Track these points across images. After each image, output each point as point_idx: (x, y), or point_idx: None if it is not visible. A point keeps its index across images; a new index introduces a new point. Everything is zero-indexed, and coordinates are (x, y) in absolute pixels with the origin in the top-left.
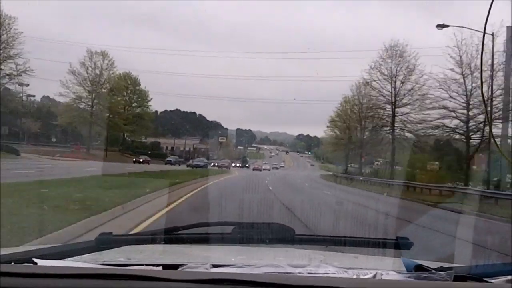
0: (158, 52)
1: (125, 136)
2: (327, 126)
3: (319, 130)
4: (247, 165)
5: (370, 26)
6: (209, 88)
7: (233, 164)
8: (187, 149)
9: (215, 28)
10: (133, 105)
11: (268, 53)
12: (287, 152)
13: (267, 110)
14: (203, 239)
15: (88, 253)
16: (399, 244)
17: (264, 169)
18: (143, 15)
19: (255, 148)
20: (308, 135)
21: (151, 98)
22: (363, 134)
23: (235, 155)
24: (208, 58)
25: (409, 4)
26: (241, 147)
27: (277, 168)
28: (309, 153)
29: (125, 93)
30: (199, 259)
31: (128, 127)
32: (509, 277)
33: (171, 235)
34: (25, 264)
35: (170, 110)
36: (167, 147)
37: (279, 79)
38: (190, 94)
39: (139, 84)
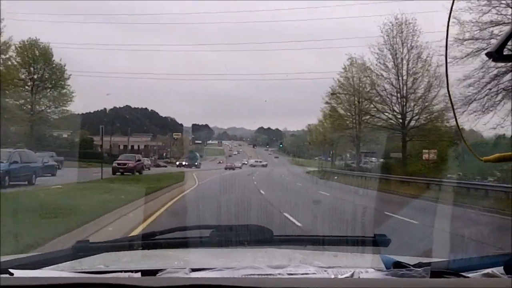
0: (105, 46)
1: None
2: (326, 103)
3: (281, 123)
4: (196, 163)
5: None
6: (161, 83)
7: (178, 163)
8: (135, 147)
9: (164, 20)
10: (46, 85)
11: (220, 45)
12: (254, 146)
13: (222, 105)
14: (182, 244)
15: (66, 261)
16: (377, 241)
17: (236, 167)
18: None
19: (216, 142)
20: (269, 128)
21: (70, 75)
22: (405, 102)
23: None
24: (157, 52)
25: None
26: (199, 142)
27: (263, 166)
28: (280, 146)
29: (32, 68)
30: (178, 263)
31: (35, 116)
32: (485, 270)
33: (149, 240)
34: (1, 275)
35: (120, 107)
36: (111, 146)
37: (236, 74)
38: (140, 80)
39: (52, 56)
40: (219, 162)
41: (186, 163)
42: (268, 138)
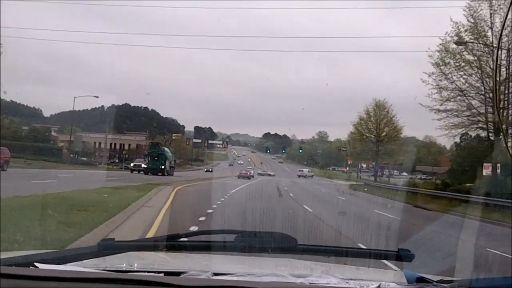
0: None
1: None
2: (436, 64)
3: (288, 130)
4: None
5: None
6: (165, 85)
7: (133, 165)
8: (126, 146)
9: (171, 21)
10: None
11: (225, 49)
12: (267, 150)
13: (227, 111)
14: (205, 247)
15: (90, 258)
16: (401, 256)
17: (250, 175)
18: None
19: (221, 143)
20: (276, 134)
21: None
22: None
23: (190, 154)
24: (161, 55)
25: None
26: (199, 141)
27: (310, 177)
28: (300, 151)
29: None
30: (200, 267)
31: None
32: None
33: (173, 242)
34: (26, 267)
35: (119, 105)
36: (96, 144)
37: (241, 79)
38: (141, 87)
39: None
40: (207, 171)
41: (145, 166)
42: (275, 144)
